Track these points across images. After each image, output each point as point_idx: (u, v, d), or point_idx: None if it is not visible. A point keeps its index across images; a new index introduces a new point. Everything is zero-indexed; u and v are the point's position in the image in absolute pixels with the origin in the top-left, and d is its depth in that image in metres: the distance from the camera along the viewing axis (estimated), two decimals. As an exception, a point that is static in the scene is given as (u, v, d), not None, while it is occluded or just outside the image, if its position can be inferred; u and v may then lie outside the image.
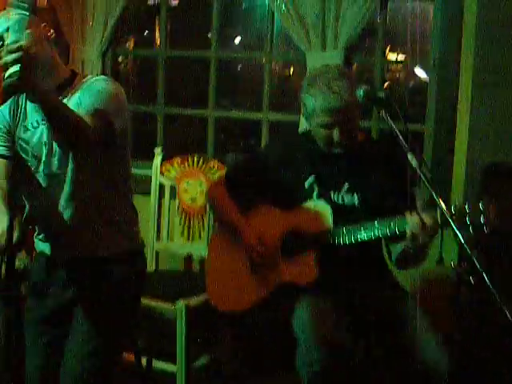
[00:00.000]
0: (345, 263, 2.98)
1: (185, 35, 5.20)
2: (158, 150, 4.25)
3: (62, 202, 2.56)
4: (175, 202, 4.27)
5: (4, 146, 2.62)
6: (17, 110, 2.60)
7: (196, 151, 4.40)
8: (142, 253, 2.84)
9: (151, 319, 3.72)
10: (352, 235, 2.89)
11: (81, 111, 2.40)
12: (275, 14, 4.29)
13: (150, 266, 4.17)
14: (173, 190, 4.27)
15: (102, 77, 2.65)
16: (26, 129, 2.58)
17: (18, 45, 2.13)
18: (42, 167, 2.56)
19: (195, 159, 4.21)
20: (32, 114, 2.58)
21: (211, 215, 4.11)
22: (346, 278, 2.99)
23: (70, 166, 2.52)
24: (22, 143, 2.59)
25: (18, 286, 2.49)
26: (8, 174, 2.60)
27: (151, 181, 4.26)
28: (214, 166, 4.15)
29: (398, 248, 2.93)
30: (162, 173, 4.25)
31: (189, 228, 4.22)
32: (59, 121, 2.28)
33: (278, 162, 3.13)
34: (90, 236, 2.61)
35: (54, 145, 2.50)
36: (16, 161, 2.60)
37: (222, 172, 4.02)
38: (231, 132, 4.94)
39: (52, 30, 2.50)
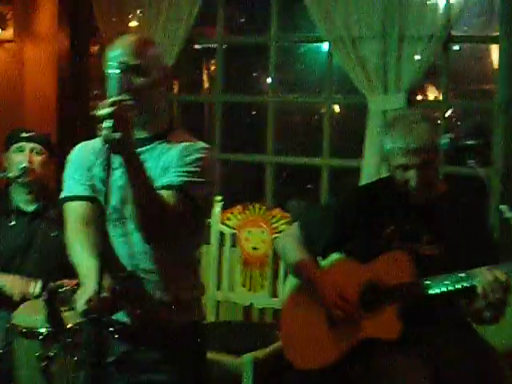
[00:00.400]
0: (427, 316, 2.86)
1: (239, 79, 5.15)
2: (217, 198, 4.18)
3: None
4: (236, 250, 4.18)
5: (87, 186, 2.46)
6: (101, 148, 2.38)
7: (253, 197, 4.33)
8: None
9: (214, 373, 3.61)
10: (435, 287, 2.78)
11: (171, 177, 2.32)
12: (334, 57, 4.23)
13: (211, 317, 4.07)
14: (233, 237, 4.19)
15: (202, 144, 2.46)
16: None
17: (112, 100, 2.10)
18: (111, 212, 2.39)
19: (256, 207, 4.13)
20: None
21: (272, 265, 4.03)
22: (429, 332, 2.87)
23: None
24: (99, 183, 2.42)
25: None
26: (95, 220, 2.41)
27: (211, 229, 4.18)
28: (276, 215, 4.06)
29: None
30: (222, 222, 4.17)
31: (250, 278, 4.13)
32: (139, 187, 2.21)
33: (356, 210, 3.02)
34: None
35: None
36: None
37: (285, 220, 3.94)
38: (288, 178, 4.85)
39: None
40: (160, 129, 2.46)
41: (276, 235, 4.01)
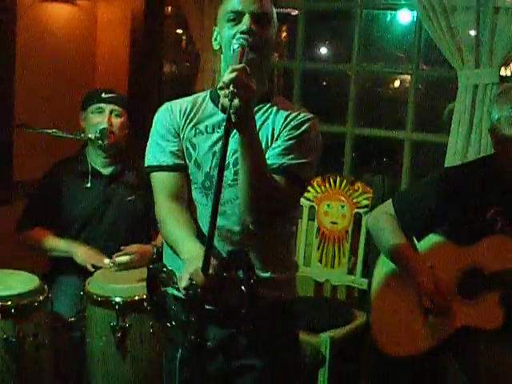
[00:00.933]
0: None
1: (321, 47, 4.99)
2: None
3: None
4: (314, 223, 4.05)
5: (174, 154, 2.31)
6: (191, 110, 2.34)
7: (332, 169, 4.19)
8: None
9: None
10: None
11: (280, 158, 2.18)
12: (424, 29, 4.05)
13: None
14: (312, 211, 4.06)
15: (308, 115, 2.28)
16: (199, 132, 2.31)
17: (235, 67, 1.97)
18: (202, 179, 2.29)
19: (338, 180, 3.99)
20: (209, 116, 2.31)
21: (351, 241, 3.90)
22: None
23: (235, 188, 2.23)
24: (189, 147, 2.31)
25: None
26: (185, 192, 2.31)
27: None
28: (358, 189, 3.91)
29: None
30: (300, 193, 4.03)
31: (327, 253, 4.00)
32: (252, 163, 2.07)
33: (456, 190, 2.86)
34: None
35: (228, 158, 2.20)
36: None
37: (368, 195, 3.80)
38: (364, 151, 4.69)
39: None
40: (264, 91, 2.31)
41: (357, 210, 3.89)
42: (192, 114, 2.34)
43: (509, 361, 2.67)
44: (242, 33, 2.15)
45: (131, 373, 3.02)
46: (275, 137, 2.24)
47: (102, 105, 3.47)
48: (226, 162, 2.10)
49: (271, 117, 2.27)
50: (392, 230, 2.95)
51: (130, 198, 3.51)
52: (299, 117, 2.26)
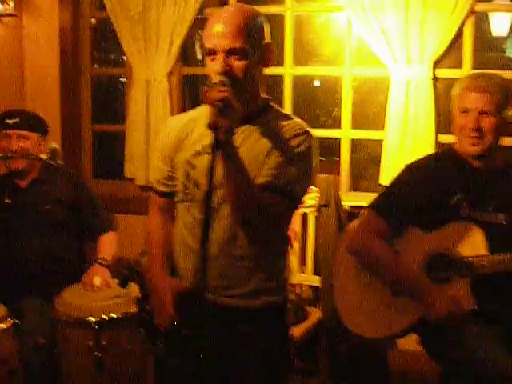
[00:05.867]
0: (500, 290, 2.83)
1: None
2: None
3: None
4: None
5: (170, 184, 2.49)
6: (189, 129, 2.43)
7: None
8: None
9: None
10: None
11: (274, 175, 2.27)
12: (353, 28, 4.15)
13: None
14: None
15: (304, 129, 2.38)
16: (198, 153, 2.38)
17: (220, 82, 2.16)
18: (201, 197, 2.32)
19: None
20: (207, 135, 2.30)
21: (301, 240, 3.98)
22: (502, 306, 2.83)
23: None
24: (188, 168, 2.39)
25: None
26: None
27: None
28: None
29: None
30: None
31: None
32: (236, 184, 2.19)
33: (421, 184, 2.96)
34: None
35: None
36: None
37: (315, 194, 3.88)
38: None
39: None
40: (254, 109, 2.38)
41: (304, 210, 3.96)
42: (190, 133, 2.43)
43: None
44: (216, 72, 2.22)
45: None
46: (268, 154, 2.31)
47: (8, 131, 3.54)
48: (221, 180, 2.23)
49: (263, 134, 2.34)
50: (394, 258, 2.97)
51: (47, 207, 3.60)
52: (294, 133, 2.34)
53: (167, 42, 4.42)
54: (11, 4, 4.43)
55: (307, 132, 2.37)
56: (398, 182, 3.08)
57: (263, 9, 4.63)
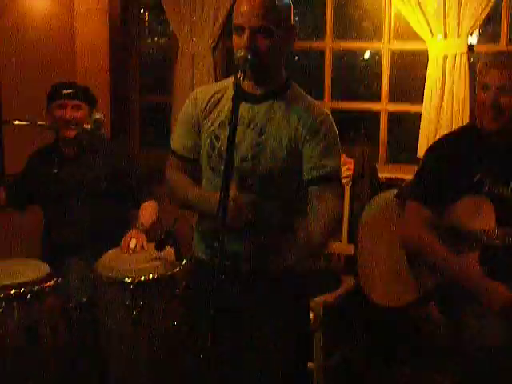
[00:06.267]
0: (506, 264, 2.88)
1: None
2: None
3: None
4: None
5: (189, 148, 2.60)
6: (215, 101, 2.55)
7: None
8: None
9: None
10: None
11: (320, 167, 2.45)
12: (393, 2, 4.22)
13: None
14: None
15: (323, 111, 2.51)
16: (223, 124, 2.50)
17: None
18: (223, 167, 2.40)
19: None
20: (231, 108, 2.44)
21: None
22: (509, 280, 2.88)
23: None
24: (213, 139, 2.52)
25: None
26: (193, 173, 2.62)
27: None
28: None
29: None
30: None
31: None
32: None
33: (446, 158, 2.99)
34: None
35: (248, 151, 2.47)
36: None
37: (350, 166, 3.97)
38: (347, 123, 4.84)
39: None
40: (277, 86, 2.50)
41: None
42: (216, 105, 2.55)
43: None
44: (243, 47, 2.35)
45: (147, 351, 3.22)
46: (294, 140, 2.46)
47: (64, 101, 3.70)
48: (246, 154, 2.44)
49: (285, 115, 2.47)
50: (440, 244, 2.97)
51: (96, 174, 3.77)
52: (316, 112, 2.48)
53: (211, 16, 4.55)
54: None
55: (326, 112, 2.51)
56: (425, 166, 3.11)
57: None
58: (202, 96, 2.58)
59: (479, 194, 2.91)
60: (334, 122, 2.50)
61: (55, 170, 3.76)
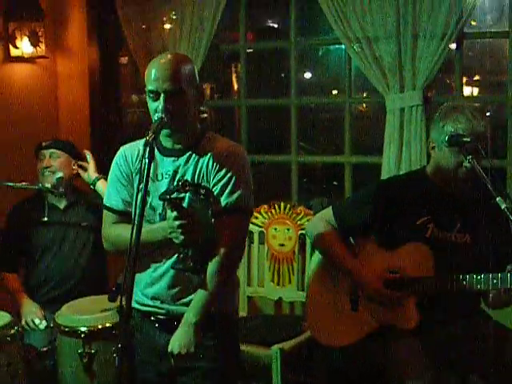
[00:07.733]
0: (442, 306, 3.00)
1: (262, 83, 5.30)
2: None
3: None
4: (264, 247, 4.37)
5: (126, 202, 2.75)
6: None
7: (280, 196, 4.51)
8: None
9: (246, 364, 3.79)
10: (456, 283, 2.92)
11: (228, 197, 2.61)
12: (352, 59, 4.38)
13: (242, 311, 4.24)
14: (261, 235, 4.38)
15: (236, 147, 2.73)
16: (156, 179, 2.68)
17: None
18: (157, 219, 2.67)
19: (282, 206, 4.31)
20: (164, 163, 2.68)
21: (299, 260, 4.21)
22: (443, 320, 3.01)
23: None
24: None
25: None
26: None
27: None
28: (300, 212, 4.24)
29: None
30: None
31: (278, 273, 4.32)
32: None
33: (387, 201, 3.11)
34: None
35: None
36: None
37: (309, 218, 4.10)
38: (313, 176, 4.98)
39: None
40: (194, 138, 2.69)
41: (301, 231, 4.19)
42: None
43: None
44: (160, 110, 2.54)
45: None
46: (208, 179, 2.64)
47: (43, 151, 3.96)
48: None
49: (200, 160, 2.66)
50: (330, 233, 3.21)
51: (84, 224, 3.98)
52: (230, 153, 2.67)
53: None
54: (43, 47, 4.82)
55: (235, 146, 2.72)
56: (366, 194, 3.24)
57: (270, 44, 4.96)
58: (130, 153, 2.77)
59: (422, 238, 3.04)
60: (244, 155, 2.70)
61: (45, 218, 3.95)
